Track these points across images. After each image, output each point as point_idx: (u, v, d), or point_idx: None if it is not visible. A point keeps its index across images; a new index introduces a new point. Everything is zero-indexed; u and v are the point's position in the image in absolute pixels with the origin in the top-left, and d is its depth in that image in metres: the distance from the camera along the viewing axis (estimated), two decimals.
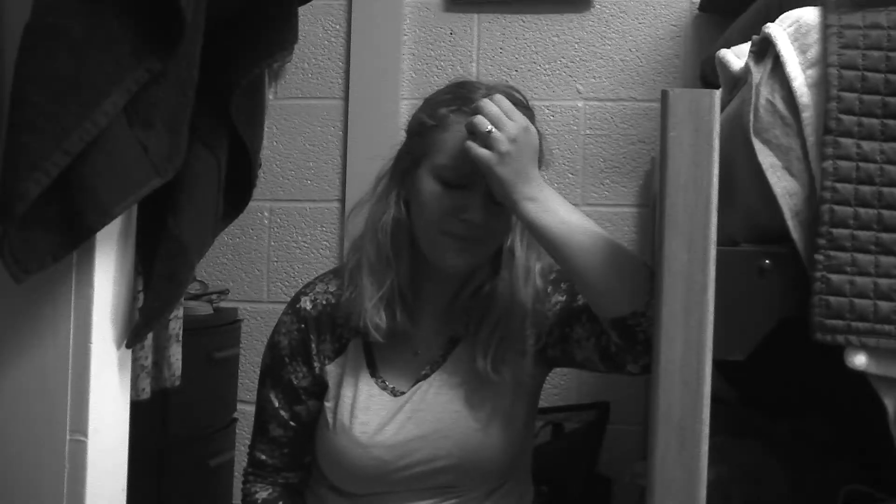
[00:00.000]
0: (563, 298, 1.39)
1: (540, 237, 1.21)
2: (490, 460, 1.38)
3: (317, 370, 1.43)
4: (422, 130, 1.36)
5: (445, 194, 1.31)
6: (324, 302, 1.45)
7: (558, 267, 1.41)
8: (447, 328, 1.44)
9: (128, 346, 1.21)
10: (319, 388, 1.44)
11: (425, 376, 1.41)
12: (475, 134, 1.22)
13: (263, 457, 1.46)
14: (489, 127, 1.21)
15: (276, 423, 1.45)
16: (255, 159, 1.35)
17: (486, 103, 1.23)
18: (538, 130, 1.32)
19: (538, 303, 1.39)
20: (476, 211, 1.30)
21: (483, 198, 1.30)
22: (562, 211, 1.20)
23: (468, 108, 1.28)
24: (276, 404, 1.45)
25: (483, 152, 1.21)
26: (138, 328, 1.20)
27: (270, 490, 1.46)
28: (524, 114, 1.31)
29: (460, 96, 1.34)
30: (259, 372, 1.50)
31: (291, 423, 1.44)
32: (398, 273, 1.38)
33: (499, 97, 1.24)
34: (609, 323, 1.21)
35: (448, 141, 1.31)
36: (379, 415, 1.38)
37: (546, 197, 1.21)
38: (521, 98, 1.37)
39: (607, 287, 1.18)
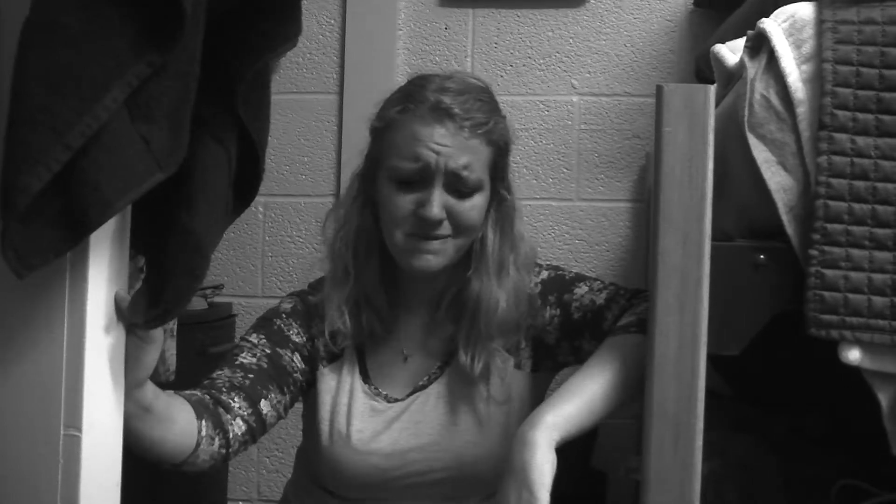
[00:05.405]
0: (558, 312, 1.39)
1: (592, 422, 1.19)
2: (488, 472, 1.37)
3: (309, 348, 1.39)
4: (375, 134, 1.36)
5: (402, 195, 1.30)
6: None
7: (538, 260, 1.43)
8: (438, 334, 1.41)
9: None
10: (308, 363, 1.40)
11: (423, 387, 1.39)
12: None
13: (217, 373, 1.36)
14: None
15: (250, 353, 1.36)
16: (262, 152, 1.34)
17: None
18: (503, 115, 1.35)
19: (520, 297, 1.36)
20: (432, 206, 1.28)
21: (439, 193, 1.29)
22: (568, 408, 1.18)
23: (413, 105, 1.29)
24: (256, 341, 1.38)
25: None
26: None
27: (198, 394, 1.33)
28: (487, 101, 1.33)
29: (408, 94, 1.33)
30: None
31: (265, 357, 1.35)
32: (360, 281, 1.36)
33: None
34: None
35: (396, 141, 1.30)
36: (374, 421, 1.37)
37: (544, 425, 1.16)
38: (481, 85, 1.36)
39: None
